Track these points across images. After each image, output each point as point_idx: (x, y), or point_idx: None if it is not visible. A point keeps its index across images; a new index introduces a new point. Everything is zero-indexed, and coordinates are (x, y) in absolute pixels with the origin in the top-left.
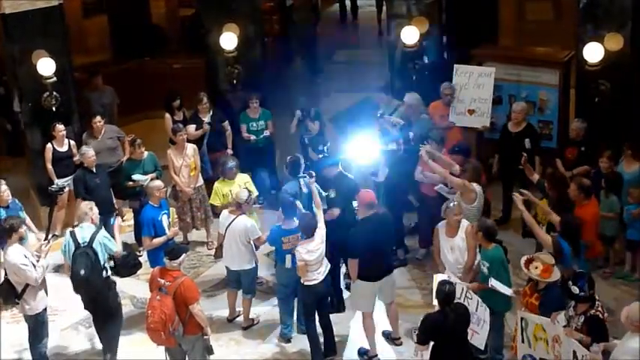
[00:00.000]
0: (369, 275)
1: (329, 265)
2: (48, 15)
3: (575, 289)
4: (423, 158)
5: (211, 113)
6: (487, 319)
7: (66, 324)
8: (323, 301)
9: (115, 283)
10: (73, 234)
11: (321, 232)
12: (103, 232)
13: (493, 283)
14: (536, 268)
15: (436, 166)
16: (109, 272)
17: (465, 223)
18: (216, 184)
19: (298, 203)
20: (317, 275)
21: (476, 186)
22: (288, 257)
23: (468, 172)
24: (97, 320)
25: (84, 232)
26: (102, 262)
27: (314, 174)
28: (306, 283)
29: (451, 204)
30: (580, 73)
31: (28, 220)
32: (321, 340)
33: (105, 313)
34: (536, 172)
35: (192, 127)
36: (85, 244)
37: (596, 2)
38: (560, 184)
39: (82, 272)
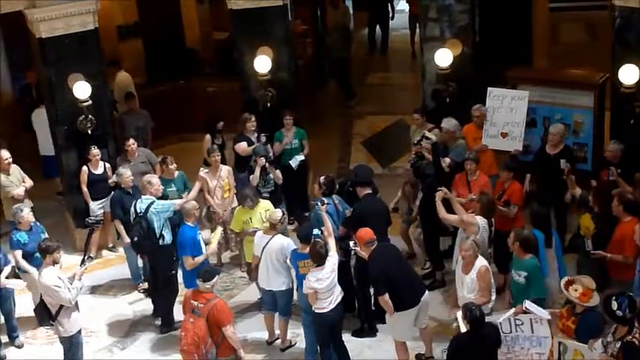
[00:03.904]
0: (407, 303)
1: (342, 294)
2: (84, 39)
3: (614, 305)
4: (437, 202)
5: (255, 135)
6: (548, 334)
7: (100, 345)
8: (335, 329)
9: (173, 252)
10: (134, 205)
11: (332, 260)
12: (157, 202)
13: (527, 305)
14: (576, 290)
15: (440, 206)
16: (166, 240)
17: (478, 263)
18: (237, 211)
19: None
20: (327, 304)
21: (479, 219)
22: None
23: (480, 206)
24: (151, 285)
25: (142, 203)
26: (156, 230)
27: (326, 201)
28: (317, 311)
29: (469, 240)
30: (615, 96)
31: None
32: None
33: (157, 279)
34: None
35: (243, 144)
36: (142, 214)
37: (630, 24)
38: (605, 197)
39: (135, 239)
